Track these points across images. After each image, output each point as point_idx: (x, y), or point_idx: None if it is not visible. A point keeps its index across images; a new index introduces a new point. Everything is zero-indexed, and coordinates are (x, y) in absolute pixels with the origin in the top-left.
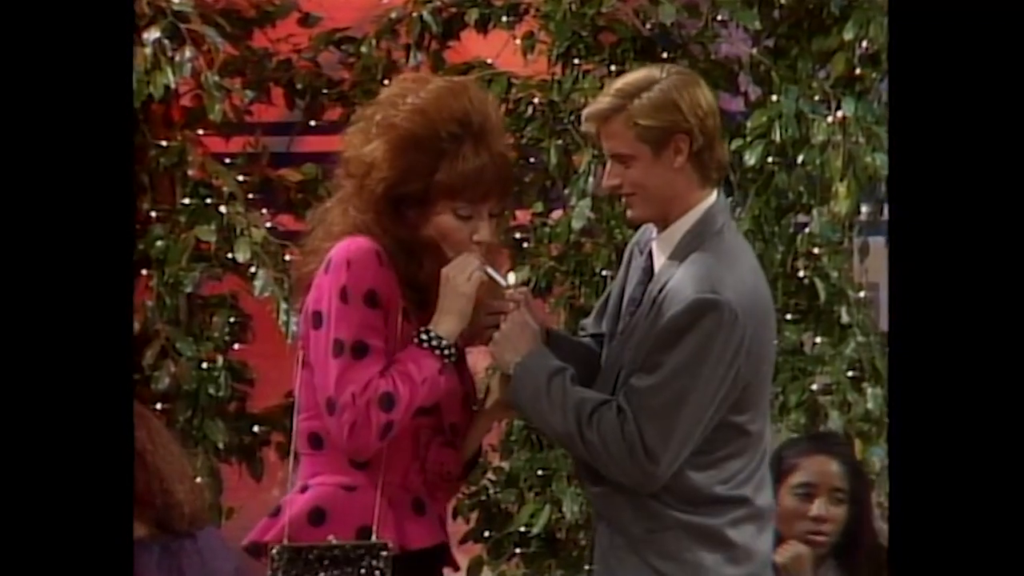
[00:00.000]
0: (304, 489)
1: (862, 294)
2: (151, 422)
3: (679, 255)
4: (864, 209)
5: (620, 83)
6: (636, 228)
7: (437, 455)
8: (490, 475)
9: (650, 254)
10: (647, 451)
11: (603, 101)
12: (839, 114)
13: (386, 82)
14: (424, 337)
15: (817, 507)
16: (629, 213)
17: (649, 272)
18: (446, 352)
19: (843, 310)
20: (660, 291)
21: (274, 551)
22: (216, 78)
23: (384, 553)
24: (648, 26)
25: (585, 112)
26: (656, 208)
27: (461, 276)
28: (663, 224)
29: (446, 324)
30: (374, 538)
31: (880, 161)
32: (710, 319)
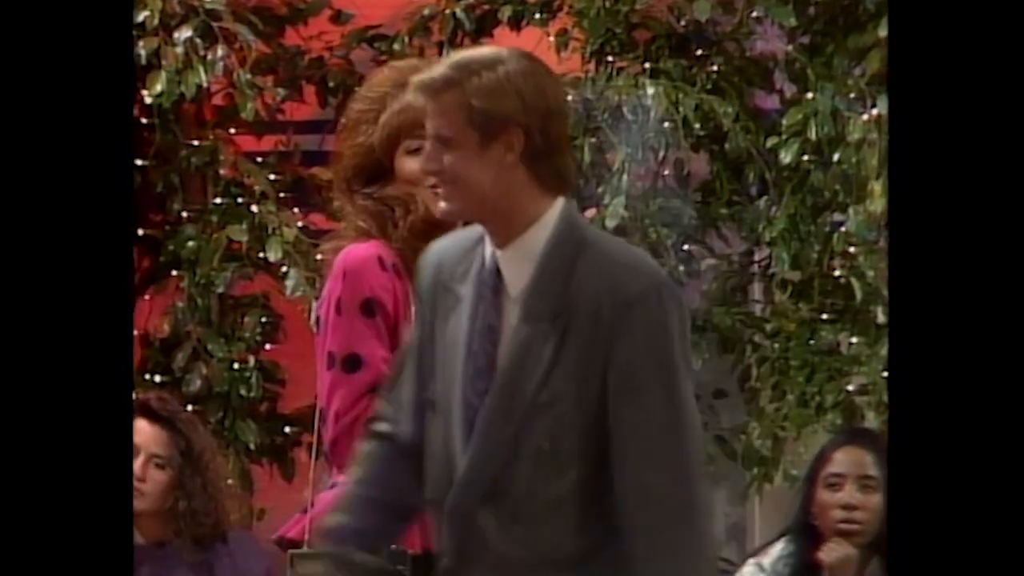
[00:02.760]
0: (334, 487)
1: None
2: (211, 441)
3: (556, 261)
4: None
5: (462, 56)
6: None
7: None
8: None
9: (496, 273)
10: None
11: (438, 71)
12: (875, 111)
13: None
14: None
15: (847, 495)
16: (442, 205)
17: (498, 292)
18: None
19: (879, 310)
20: (564, 301)
21: (290, 554)
22: (248, 76)
23: (405, 556)
24: (682, 23)
25: (415, 79)
26: (476, 207)
27: None
28: (504, 237)
29: None
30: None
31: None
32: (676, 302)
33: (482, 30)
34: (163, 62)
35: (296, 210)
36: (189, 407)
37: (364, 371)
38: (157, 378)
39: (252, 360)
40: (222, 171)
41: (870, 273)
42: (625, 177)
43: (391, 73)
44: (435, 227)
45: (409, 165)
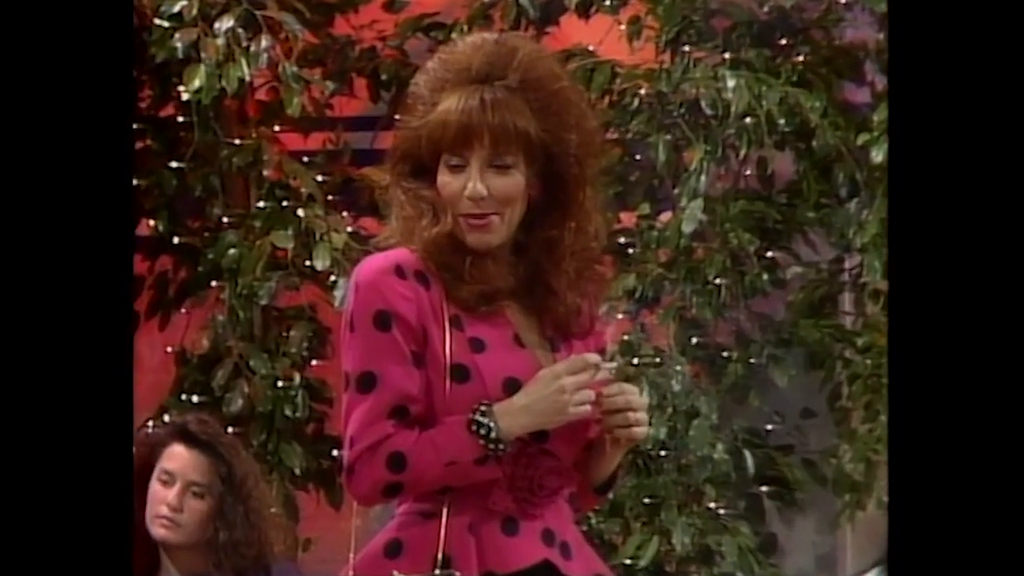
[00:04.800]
0: (392, 518)
1: None
2: (253, 466)
3: None
4: None
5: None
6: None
7: (527, 468)
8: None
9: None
10: None
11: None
12: None
13: None
14: (478, 419)
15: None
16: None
17: None
18: (492, 448)
19: None
20: None
21: None
22: (294, 69)
23: None
24: (765, 9)
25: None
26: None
27: (574, 395)
28: None
29: (514, 420)
30: (440, 569)
31: None
32: None
33: (547, 18)
34: (202, 55)
35: (346, 214)
36: (230, 429)
37: (380, 390)
38: (195, 398)
39: (298, 377)
40: (266, 172)
41: None
42: (703, 178)
43: (464, 53)
44: (459, 246)
45: (443, 179)
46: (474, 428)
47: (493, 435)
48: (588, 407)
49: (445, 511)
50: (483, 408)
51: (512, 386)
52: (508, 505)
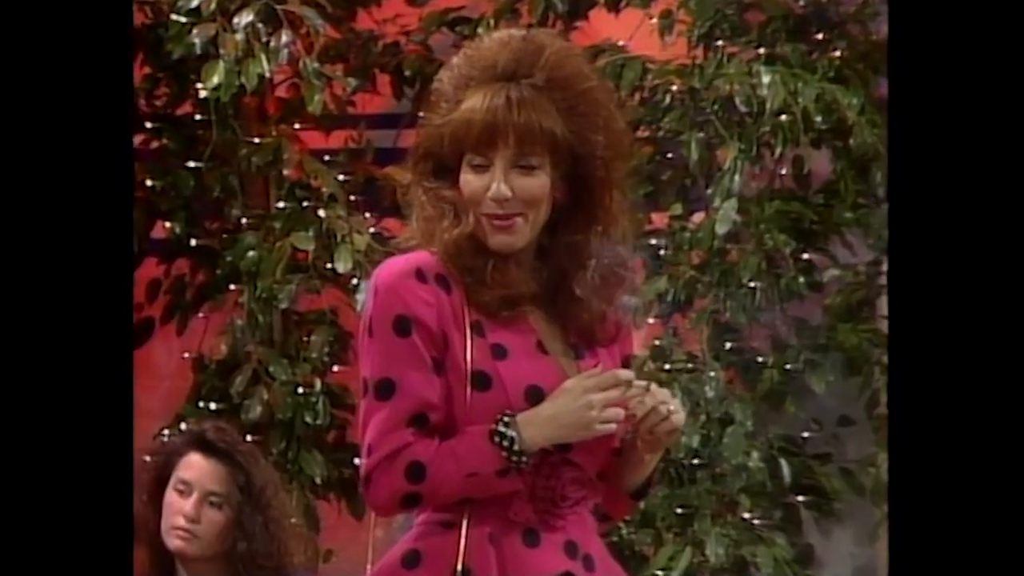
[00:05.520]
0: (411, 528)
1: None
2: (273, 475)
3: None
4: None
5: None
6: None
7: (549, 478)
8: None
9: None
10: None
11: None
12: None
13: None
14: (501, 430)
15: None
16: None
17: None
18: (515, 460)
19: None
20: None
21: None
22: (316, 65)
23: None
24: (801, 2)
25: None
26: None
27: (602, 411)
28: None
29: (538, 431)
30: None
31: None
32: None
33: (576, 12)
34: (221, 51)
35: (368, 215)
36: (248, 437)
37: (399, 398)
38: (213, 405)
39: (319, 384)
40: (286, 172)
41: None
42: (737, 177)
43: (490, 49)
44: (481, 249)
45: (466, 179)
46: (496, 439)
47: (516, 447)
48: (614, 425)
49: (465, 522)
50: (506, 419)
51: (534, 394)
52: (529, 516)
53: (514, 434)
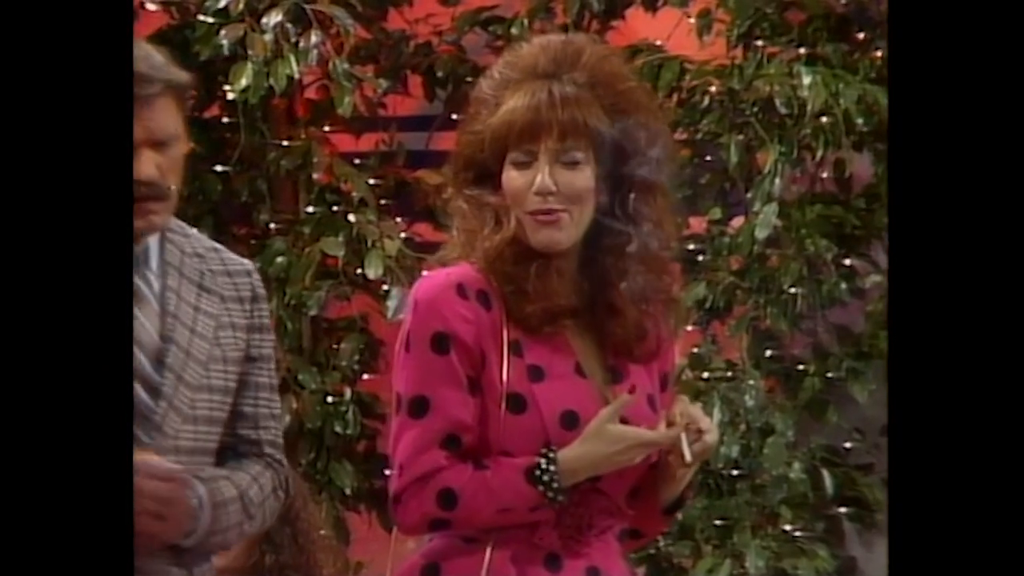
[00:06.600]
0: (430, 540)
1: None
2: (302, 485)
3: None
4: None
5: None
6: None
7: (577, 506)
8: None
9: None
10: None
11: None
12: None
13: None
14: (542, 466)
15: None
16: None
17: None
18: (551, 496)
19: None
20: None
21: None
22: (346, 66)
23: None
24: (843, 1)
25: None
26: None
27: (633, 448)
28: None
29: (577, 469)
30: None
31: None
32: None
33: (612, 12)
34: (249, 52)
35: (399, 219)
36: None
37: (433, 416)
38: None
39: (348, 392)
40: (315, 175)
41: None
42: (778, 180)
43: (530, 52)
44: (522, 255)
45: (509, 176)
46: (537, 474)
47: (556, 485)
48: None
49: (490, 548)
50: (549, 454)
51: (569, 419)
52: (553, 542)
53: (556, 470)
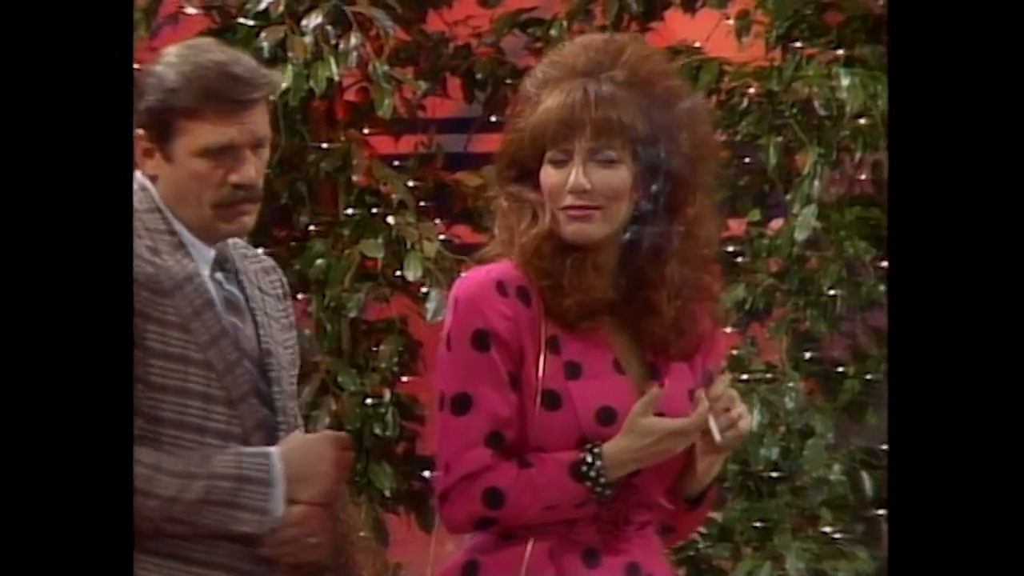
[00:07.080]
0: (470, 537)
1: None
2: (343, 489)
3: None
4: None
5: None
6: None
7: (615, 501)
8: (700, 527)
9: None
10: None
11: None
12: None
13: None
14: (588, 461)
15: None
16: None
17: None
18: (598, 491)
19: None
20: None
21: None
22: (385, 68)
23: None
24: (881, 2)
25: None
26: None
27: (665, 439)
28: None
29: (622, 463)
30: None
31: None
32: None
33: (651, 13)
34: (289, 54)
35: (438, 221)
36: None
37: (475, 414)
38: None
39: (388, 394)
40: (355, 177)
41: None
42: (817, 182)
43: (572, 51)
44: (559, 249)
45: (547, 174)
46: (584, 469)
47: (603, 480)
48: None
49: (530, 544)
50: (594, 449)
51: (606, 415)
52: (592, 537)
53: (602, 465)
